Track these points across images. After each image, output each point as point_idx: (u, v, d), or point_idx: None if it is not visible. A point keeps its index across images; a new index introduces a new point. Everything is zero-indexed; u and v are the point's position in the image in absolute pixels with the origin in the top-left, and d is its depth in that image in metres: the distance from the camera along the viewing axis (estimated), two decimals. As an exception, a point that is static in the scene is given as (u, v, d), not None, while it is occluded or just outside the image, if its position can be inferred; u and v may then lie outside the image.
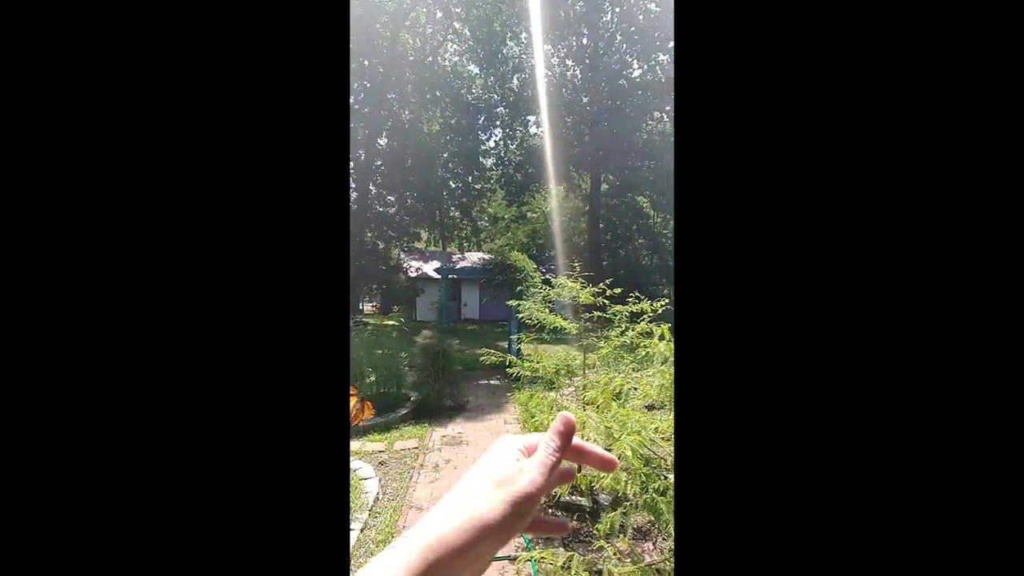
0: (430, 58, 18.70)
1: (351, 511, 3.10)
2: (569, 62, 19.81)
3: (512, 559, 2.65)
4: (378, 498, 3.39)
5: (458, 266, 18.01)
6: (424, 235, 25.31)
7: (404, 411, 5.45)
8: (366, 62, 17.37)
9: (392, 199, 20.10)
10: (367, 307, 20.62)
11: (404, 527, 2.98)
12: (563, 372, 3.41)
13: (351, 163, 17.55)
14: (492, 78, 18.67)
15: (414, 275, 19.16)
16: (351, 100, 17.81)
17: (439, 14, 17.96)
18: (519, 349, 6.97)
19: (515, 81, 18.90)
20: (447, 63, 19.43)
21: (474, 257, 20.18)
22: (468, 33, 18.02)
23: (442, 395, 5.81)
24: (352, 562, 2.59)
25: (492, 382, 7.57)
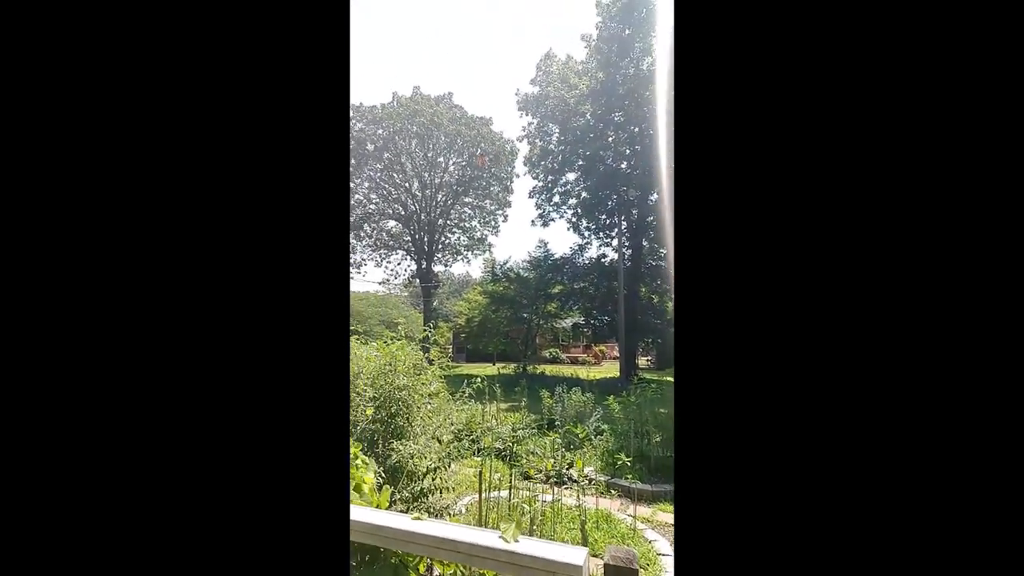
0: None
1: (650, 580, 3.01)
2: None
3: None
4: None
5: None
6: (700, 285, 23.78)
7: (695, 480, 5.03)
8: (636, 129, 18.58)
9: (664, 251, 20.02)
10: (643, 360, 20.64)
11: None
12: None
13: (628, 223, 18.62)
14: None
15: (691, 328, 18.01)
16: (622, 166, 19.24)
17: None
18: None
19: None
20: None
21: (763, 307, 17.47)
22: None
23: (739, 469, 5.08)
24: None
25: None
